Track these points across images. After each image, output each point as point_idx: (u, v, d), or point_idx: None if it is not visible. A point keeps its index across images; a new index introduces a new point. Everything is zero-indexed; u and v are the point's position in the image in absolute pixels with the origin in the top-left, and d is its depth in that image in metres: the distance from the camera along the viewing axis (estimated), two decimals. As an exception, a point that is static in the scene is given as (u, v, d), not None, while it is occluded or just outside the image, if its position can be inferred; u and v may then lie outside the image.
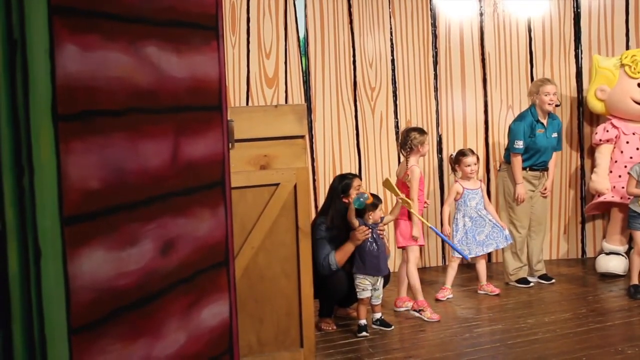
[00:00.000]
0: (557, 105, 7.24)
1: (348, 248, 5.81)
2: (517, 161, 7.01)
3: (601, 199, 7.49)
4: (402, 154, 6.58)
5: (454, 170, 6.98)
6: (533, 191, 7.16)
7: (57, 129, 1.86)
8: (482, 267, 6.98)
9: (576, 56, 8.08)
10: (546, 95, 7.03)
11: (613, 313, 6.28)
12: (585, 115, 8.08)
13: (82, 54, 1.96)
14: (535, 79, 7.95)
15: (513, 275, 7.18)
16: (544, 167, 7.20)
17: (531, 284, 7.14)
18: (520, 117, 7.18)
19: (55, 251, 1.87)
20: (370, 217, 5.82)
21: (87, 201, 1.99)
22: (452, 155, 7.05)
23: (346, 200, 5.95)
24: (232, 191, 2.83)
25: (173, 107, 2.41)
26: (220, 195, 2.70)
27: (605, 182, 7.44)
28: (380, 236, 5.88)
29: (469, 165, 6.79)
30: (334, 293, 5.91)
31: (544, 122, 7.11)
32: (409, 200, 6.10)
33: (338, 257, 5.81)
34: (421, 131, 6.55)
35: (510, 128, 7.18)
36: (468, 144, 7.96)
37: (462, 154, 6.90)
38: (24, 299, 1.82)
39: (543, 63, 8.07)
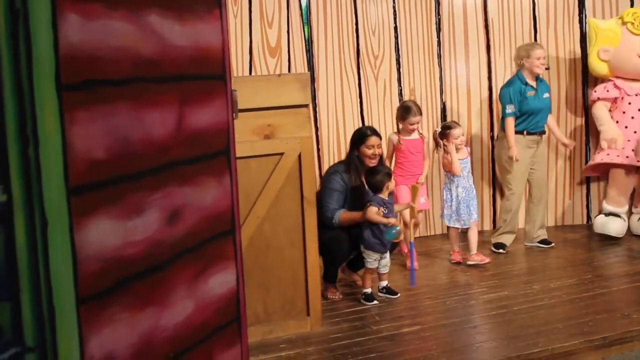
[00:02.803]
0: (546, 69, 7.27)
1: (356, 217, 5.77)
2: (510, 124, 7.03)
3: (601, 160, 7.47)
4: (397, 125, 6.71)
5: (438, 145, 6.87)
6: (529, 157, 7.16)
7: (61, 99, 1.85)
8: (473, 235, 6.93)
9: (580, 21, 8.02)
10: (538, 59, 7.08)
11: (619, 278, 6.28)
12: (589, 81, 8.04)
13: (84, 23, 1.96)
14: (539, 44, 7.92)
15: (495, 238, 7.27)
16: (541, 131, 7.20)
17: (501, 251, 7.19)
18: (508, 83, 7.21)
19: (61, 221, 1.87)
20: (388, 187, 5.79)
21: (92, 171, 1.99)
22: (436, 130, 6.92)
23: (357, 154, 6.02)
24: (237, 161, 2.83)
25: (177, 76, 2.40)
26: (226, 164, 2.70)
27: (615, 129, 7.41)
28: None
29: (457, 138, 6.72)
30: (336, 255, 5.86)
31: (533, 84, 7.13)
32: (415, 213, 6.24)
33: (344, 218, 5.80)
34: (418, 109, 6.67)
35: (500, 95, 7.23)
36: (472, 111, 7.94)
37: (448, 127, 6.78)
38: (32, 269, 1.83)
39: (547, 28, 8.02)
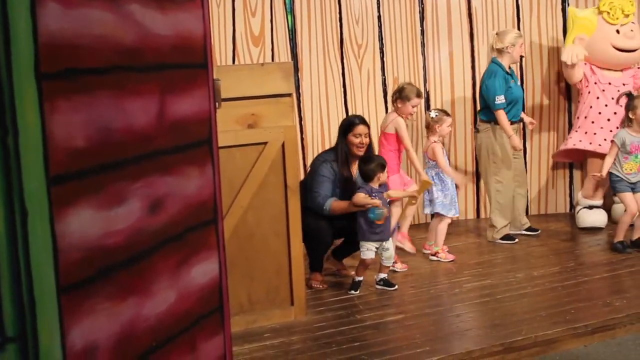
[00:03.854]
0: (522, 57, 7.30)
1: (348, 207, 5.76)
2: (503, 115, 6.91)
3: (573, 145, 7.51)
4: (394, 106, 6.56)
5: (429, 128, 6.79)
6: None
7: (40, 88, 1.84)
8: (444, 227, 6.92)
9: (563, 10, 8.03)
10: (521, 46, 7.08)
11: (601, 266, 6.32)
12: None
13: (64, 11, 1.94)
14: (522, 32, 7.93)
15: (498, 233, 7.19)
16: (519, 119, 7.23)
17: (516, 240, 7.17)
18: (493, 74, 7.02)
19: (42, 211, 1.86)
20: (379, 178, 5.76)
21: (73, 160, 1.97)
22: (429, 113, 6.83)
23: (345, 142, 5.96)
24: (220, 150, 2.83)
25: (158, 64, 2.39)
26: (208, 153, 2.69)
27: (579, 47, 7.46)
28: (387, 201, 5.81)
29: (449, 126, 6.72)
30: (318, 243, 5.87)
31: (509, 72, 7.12)
32: (416, 202, 6.19)
33: (335, 207, 5.79)
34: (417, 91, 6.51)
35: (486, 86, 7.04)
36: (455, 100, 7.95)
37: (445, 113, 6.76)
38: (12, 259, 1.82)
39: (530, 17, 8.03)
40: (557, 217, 8.08)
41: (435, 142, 6.65)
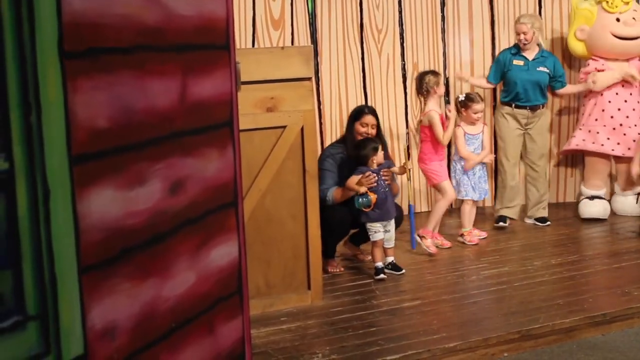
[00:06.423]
0: (524, 44, 7.13)
1: (345, 192, 5.75)
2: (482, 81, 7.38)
3: (576, 145, 7.49)
4: (420, 99, 6.53)
5: (459, 112, 6.79)
6: (521, 130, 7.18)
7: (63, 66, 1.84)
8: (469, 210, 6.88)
9: (585, -3, 7.98)
10: (517, 34, 7.15)
11: (620, 255, 6.28)
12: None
13: (87, -10, 1.94)
14: (543, 19, 7.87)
15: (496, 212, 7.28)
16: (532, 105, 7.18)
17: (507, 224, 7.17)
18: (502, 50, 7.41)
19: (64, 190, 1.86)
20: (374, 161, 5.73)
21: (95, 140, 1.97)
22: (459, 97, 6.83)
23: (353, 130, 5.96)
24: (240, 133, 2.82)
25: (180, 45, 2.38)
26: (229, 135, 2.68)
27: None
28: (385, 181, 5.78)
29: (476, 112, 6.65)
30: (337, 232, 5.86)
31: (528, 56, 7.12)
32: (407, 170, 5.97)
33: (336, 195, 5.77)
34: (434, 73, 6.45)
35: None
36: (475, 87, 7.89)
37: (470, 99, 6.70)
38: (34, 238, 1.82)
39: (552, 3, 7.98)
40: (574, 205, 8.01)
41: (458, 126, 6.64)
